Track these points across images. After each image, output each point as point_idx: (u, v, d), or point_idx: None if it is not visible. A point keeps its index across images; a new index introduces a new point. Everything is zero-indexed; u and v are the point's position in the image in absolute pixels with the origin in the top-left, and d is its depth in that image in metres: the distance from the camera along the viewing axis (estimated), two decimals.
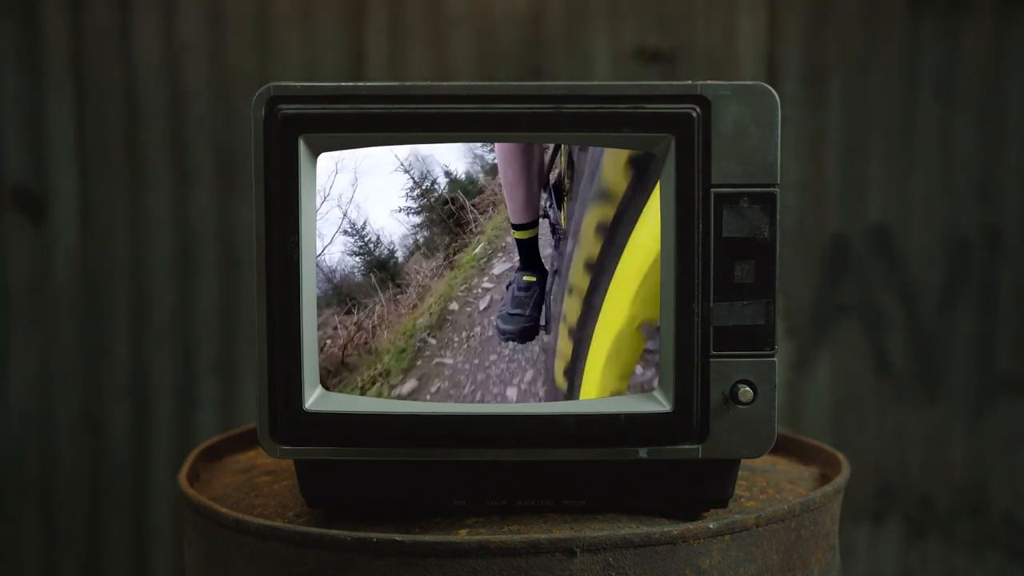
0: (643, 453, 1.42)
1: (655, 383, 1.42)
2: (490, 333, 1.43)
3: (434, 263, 1.43)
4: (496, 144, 1.40)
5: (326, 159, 1.40)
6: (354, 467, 1.44)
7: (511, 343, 1.42)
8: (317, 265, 1.41)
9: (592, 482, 1.46)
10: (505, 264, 1.43)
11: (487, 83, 1.40)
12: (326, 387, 1.42)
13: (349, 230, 1.41)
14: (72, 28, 2.46)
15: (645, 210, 1.39)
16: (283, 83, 1.39)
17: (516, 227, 1.42)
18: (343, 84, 1.39)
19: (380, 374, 1.42)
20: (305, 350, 1.39)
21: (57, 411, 2.51)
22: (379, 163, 1.41)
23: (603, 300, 1.41)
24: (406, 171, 1.41)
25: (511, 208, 1.42)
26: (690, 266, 1.39)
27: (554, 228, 1.43)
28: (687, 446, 1.42)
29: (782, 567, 1.46)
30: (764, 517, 1.44)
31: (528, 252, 1.42)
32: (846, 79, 2.55)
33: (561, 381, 1.43)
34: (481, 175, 1.41)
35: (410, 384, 1.42)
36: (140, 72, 2.47)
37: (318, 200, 1.41)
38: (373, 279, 1.42)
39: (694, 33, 2.52)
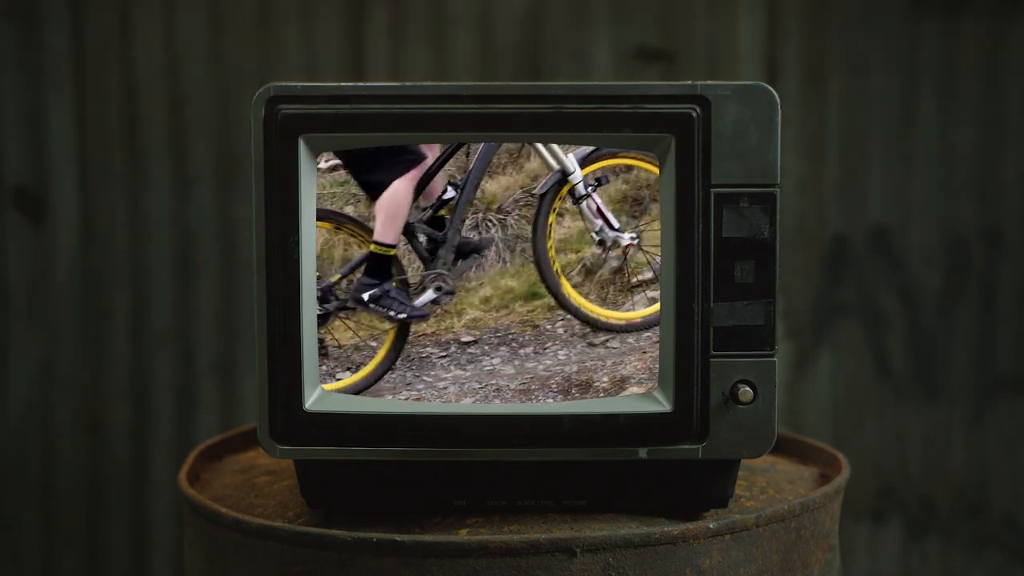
0: (643, 453, 1.42)
1: (655, 383, 1.42)
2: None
3: None
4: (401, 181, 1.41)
5: None
6: (354, 467, 1.44)
7: None
8: None
9: (592, 482, 1.46)
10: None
11: (487, 83, 1.40)
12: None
13: None
14: (72, 28, 2.46)
15: None
16: (283, 83, 1.39)
17: (390, 246, 1.43)
18: (343, 84, 1.39)
19: None
20: (305, 350, 1.39)
21: (57, 411, 2.51)
22: None
23: None
24: None
25: (395, 232, 1.42)
26: (690, 266, 1.39)
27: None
28: (687, 446, 1.42)
29: (782, 567, 1.46)
30: (764, 517, 1.44)
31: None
32: (846, 79, 2.55)
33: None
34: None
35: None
36: (140, 72, 2.47)
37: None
38: None
39: (694, 33, 2.52)
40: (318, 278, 1.41)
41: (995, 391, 2.59)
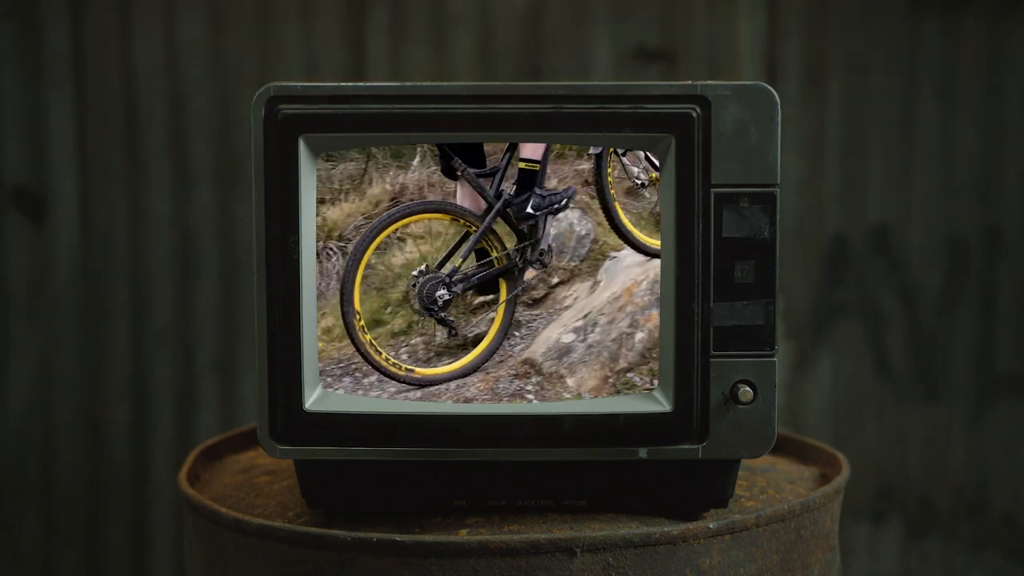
0: (643, 453, 1.42)
1: (655, 383, 1.42)
2: None
3: None
4: None
5: None
6: (354, 467, 1.45)
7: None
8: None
9: (592, 482, 1.46)
10: None
11: (487, 83, 1.41)
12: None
13: None
14: (72, 28, 2.46)
15: None
16: (283, 83, 1.39)
17: (536, 161, 1.50)
18: (343, 84, 1.39)
19: None
20: (305, 350, 1.39)
21: (57, 411, 2.51)
22: None
23: None
24: None
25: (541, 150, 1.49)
26: (690, 266, 1.39)
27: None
28: (687, 446, 1.42)
29: (782, 567, 1.46)
30: (764, 517, 1.44)
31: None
32: (846, 79, 2.55)
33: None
34: None
35: None
36: (140, 72, 2.47)
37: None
38: None
39: (694, 33, 2.52)
40: (440, 264, 1.47)
41: (995, 391, 2.60)
